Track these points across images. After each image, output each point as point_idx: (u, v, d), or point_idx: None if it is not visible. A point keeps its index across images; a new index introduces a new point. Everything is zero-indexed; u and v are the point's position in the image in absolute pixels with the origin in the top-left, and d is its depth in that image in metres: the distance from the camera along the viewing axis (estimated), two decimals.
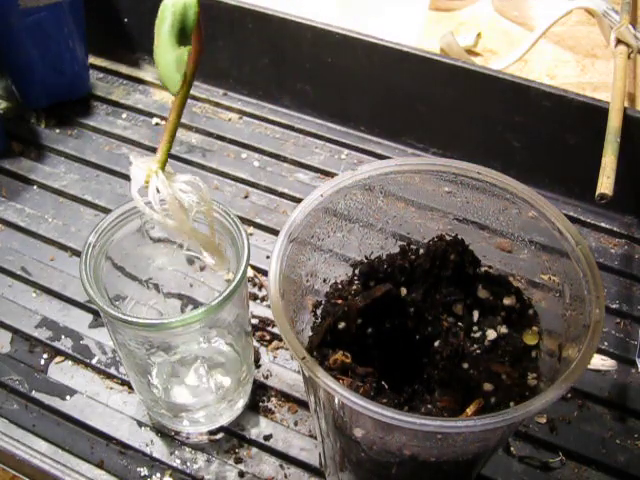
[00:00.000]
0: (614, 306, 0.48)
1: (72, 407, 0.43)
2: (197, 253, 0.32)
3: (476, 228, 0.36)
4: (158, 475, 0.40)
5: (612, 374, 0.44)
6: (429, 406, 0.32)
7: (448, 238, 0.36)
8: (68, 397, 0.43)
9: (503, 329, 0.34)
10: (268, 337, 0.46)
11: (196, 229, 0.30)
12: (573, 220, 0.54)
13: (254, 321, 0.47)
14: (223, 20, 0.60)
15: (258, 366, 0.45)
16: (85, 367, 0.45)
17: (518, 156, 0.56)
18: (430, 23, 0.75)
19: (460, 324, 0.34)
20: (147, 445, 0.41)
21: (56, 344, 0.46)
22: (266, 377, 0.44)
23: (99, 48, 0.65)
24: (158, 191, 0.28)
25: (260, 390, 0.44)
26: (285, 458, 0.41)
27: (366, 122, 0.60)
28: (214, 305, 0.32)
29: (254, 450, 0.41)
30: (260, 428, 0.42)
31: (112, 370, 0.45)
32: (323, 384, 0.26)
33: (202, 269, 0.41)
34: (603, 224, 0.54)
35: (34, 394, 0.43)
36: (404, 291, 0.35)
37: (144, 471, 0.40)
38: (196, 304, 0.42)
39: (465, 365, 0.33)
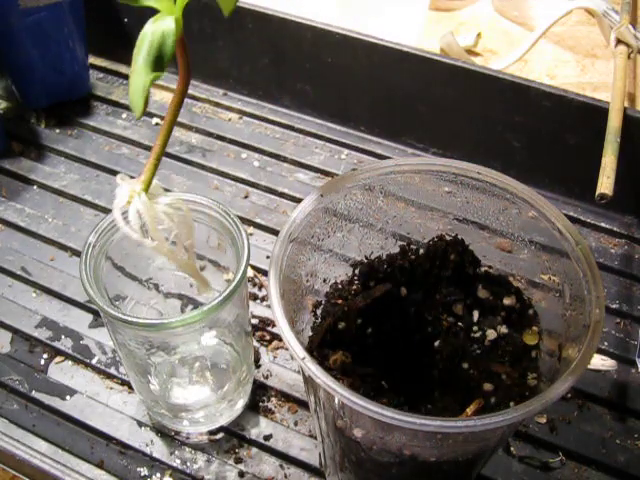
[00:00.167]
0: (614, 306, 0.48)
1: (72, 407, 0.43)
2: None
3: (476, 228, 0.36)
4: (158, 475, 0.40)
5: (612, 374, 0.44)
6: (429, 406, 0.32)
7: (448, 238, 0.36)
8: (68, 397, 0.43)
9: (503, 329, 0.34)
10: (268, 337, 0.46)
11: (174, 252, 0.30)
12: (573, 220, 0.54)
13: (254, 321, 0.47)
14: (223, 20, 0.60)
15: (258, 366, 0.45)
16: (85, 367, 0.45)
17: (518, 156, 0.56)
18: (430, 23, 0.75)
19: (460, 324, 0.35)
20: (147, 445, 0.41)
21: (56, 344, 0.46)
22: (266, 377, 0.44)
23: (99, 48, 0.65)
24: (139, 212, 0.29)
25: (260, 390, 0.44)
26: (285, 458, 0.41)
27: (366, 122, 0.60)
28: (214, 305, 0.32)
29: (254, 450, 0.41)
30: (260, 428, 0.42)
31: (112, 370, 0.45)
32: (323, 384, 0.26)
33: (202, 269, 0.41)
34: (603, 224, 0.54)
35: (34, 394, 0.43)
36: (404, 291, 0.35)
37: (144, 471, 0.40)
38: (196, 304, 0.42)
39: (465, 365, 0.33)
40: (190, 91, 0.64)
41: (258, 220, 0.54)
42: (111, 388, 0.44)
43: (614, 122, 0.49)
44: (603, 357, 0.45)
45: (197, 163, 0.58)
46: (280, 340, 0.46)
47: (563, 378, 0.27)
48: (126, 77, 0.64)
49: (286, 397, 0.44)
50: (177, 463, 0.41)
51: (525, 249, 0.34)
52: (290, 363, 0.45)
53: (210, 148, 0.59)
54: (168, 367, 0.41)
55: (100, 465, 0.40)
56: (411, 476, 0.34)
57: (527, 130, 0.55)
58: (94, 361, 0.45)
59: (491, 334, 0.34)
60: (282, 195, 0.56)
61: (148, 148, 0.58)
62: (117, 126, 0.61)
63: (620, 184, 0.44)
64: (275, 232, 0.53)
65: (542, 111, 0.53)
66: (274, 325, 0.47)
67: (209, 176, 0.57)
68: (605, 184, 0.43)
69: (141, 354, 0.37)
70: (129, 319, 0.32)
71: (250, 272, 0.50)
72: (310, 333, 0.34)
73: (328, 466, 0.38)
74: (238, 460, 0.41)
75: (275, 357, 0.45)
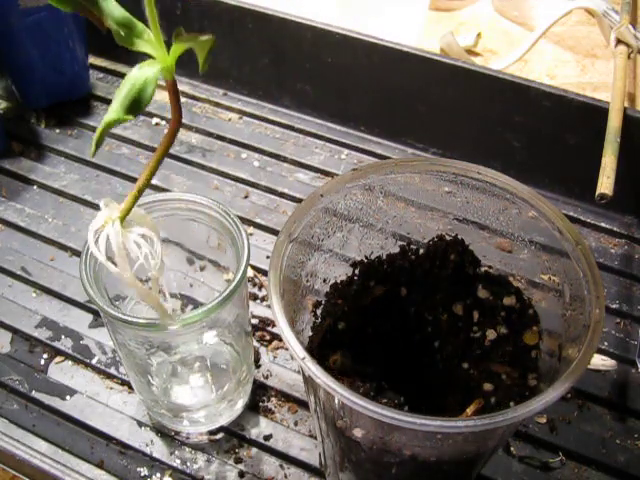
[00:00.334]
0: (614, 306, 0.48)
1: (72, 407, 0.43)
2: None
3: (476, 228, 0.36)
4: (158, 475, 0.40)
5: (612, 374, 0.44)
6: (429, 406, 0.32)
7: (448, 238, 0.36)
8: (68, 397, 0.43)
9: (503, 329, 0.34)
10: (268, 337, 0.46)
11: (137, 280, 0.31)
12: (573, 220, 0.54)
13: (254, 321, 0.47)
14: (223, 20, 0.60)
15: (258, 366, 0.45)
16: (85, 367, 0.45)
17: (518, 156, 0.56)
18: (430, 23, 0.75)
19: (460, 324, 0.35)
20: (147, 445, 0.41)
21: (56, 344, 0.46)
22: (266, 377, 0.44)
23: (99, 48, 0.65)
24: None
25: (260, 390, 0.44)
26: (285, 458, 0.41)
27: (366, 122, 0.61)
28: (214, 305, 0.32)
29: (254, 450, 0.41)
30: (260, 428, 0.42)
31: (112, 370, 0.45)
32: (323, 384, 0.26)
33: (202, 269, 0.41)
34: (603, 224, 0.54)
35: (34, 394, 0.43)
36: (404, 291, 0.35)
37: (144, 471, 0.40)
38: (196, 304, 0.42)
39: (465, 365, 0.33)
40: (190, 91, 0.64)
41: (258, 220, 0.54)
42: (111, 388, 0.44)
43: (614, 122, 0.49)
44: (603, 357, 0.45)
45: (197, 163, 0.58)
46: (280, 340, 0.46)
47: (563, 378, 0.27)
48: None
49: (286, 397, 0.44)
50: (177, 463, 0.41)
51: (525, 249, 0.34)
52: (290, 363, 0.45)
53: (210, 148, 0.59)
54: (168, 367, 0.41)
55: (100, 465, 0.40)
56: (411, 476, 0.34)
57: (527, 130, 0.55)
58: (94, 361, 0.45)
59: (491, 334, 0.34)
60: (282, 195, 0.56)
61: (148, 148, 0.58)
62: (117, 126, 0.61)
63: (620, 184, 0.44)
64: (275, 232, 0.53)
65: (542, 111, 0.53)
66: (274, 325, 0.47)
67: (209, 176, 0.57)
68: (605, 184, 0.43)
69: (141, 354, 0.37)
70: (129, 319, 0.32)
71: (250, 272, 0.50)
72: (310, 333, 0.34)
73: (328, 466, 0.38)
74: (238, 460, 0.41)
75: (275, 357, 0.45)
